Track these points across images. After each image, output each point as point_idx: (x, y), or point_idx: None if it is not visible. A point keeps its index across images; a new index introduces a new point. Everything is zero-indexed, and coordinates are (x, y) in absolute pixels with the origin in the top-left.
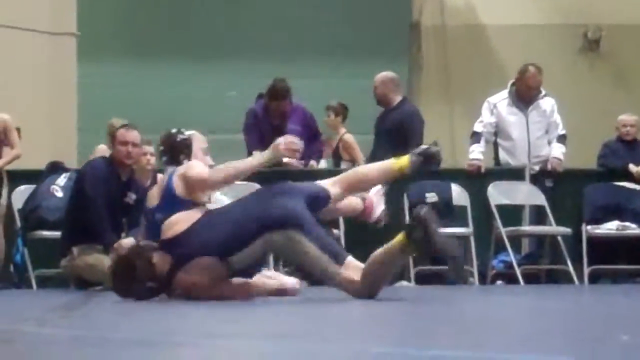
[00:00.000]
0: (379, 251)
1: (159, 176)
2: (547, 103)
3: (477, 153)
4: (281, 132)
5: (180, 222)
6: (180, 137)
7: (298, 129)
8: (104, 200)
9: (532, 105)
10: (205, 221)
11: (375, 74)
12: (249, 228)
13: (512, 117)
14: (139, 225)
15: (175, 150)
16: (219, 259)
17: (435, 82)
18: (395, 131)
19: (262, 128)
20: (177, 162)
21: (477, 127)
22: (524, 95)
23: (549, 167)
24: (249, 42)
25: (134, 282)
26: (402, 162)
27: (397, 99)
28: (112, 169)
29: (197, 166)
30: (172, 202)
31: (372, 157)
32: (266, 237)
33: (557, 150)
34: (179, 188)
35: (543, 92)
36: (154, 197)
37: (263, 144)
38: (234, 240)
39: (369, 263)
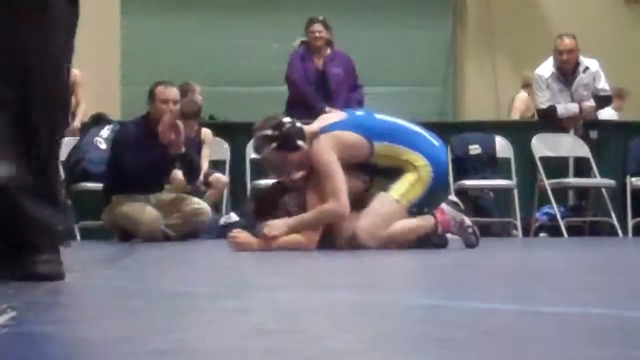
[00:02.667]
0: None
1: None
2: (589, 75)
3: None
4: (325, 75)
5: None
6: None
7: (341, 73)
8: (141, 164)
9: (575, 81)
10: None
11: (419, 27)
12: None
13: (559, 93)
14: (198, 176)
15: (291, 138)
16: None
17: (479, 36)
18: None
19: (305, 70)
20: (293, 148)
21: (543, 106)
22: (565, 69)
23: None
24: None
25: None
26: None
27: None
28: (146, 129)
29: None
30: None
31: None
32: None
33: (589, 103)
34: None
35: (584, 64)
36: None
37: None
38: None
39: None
